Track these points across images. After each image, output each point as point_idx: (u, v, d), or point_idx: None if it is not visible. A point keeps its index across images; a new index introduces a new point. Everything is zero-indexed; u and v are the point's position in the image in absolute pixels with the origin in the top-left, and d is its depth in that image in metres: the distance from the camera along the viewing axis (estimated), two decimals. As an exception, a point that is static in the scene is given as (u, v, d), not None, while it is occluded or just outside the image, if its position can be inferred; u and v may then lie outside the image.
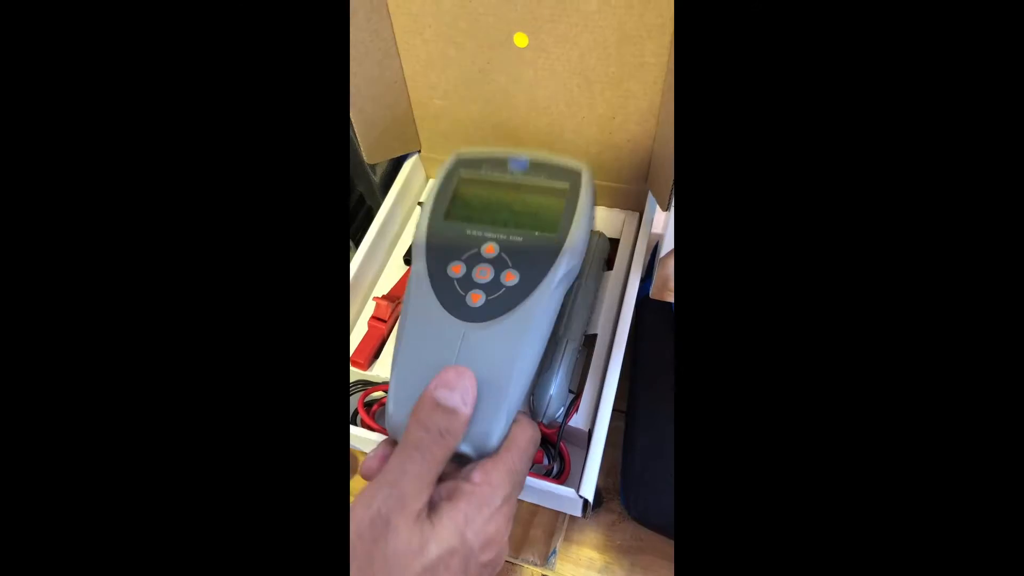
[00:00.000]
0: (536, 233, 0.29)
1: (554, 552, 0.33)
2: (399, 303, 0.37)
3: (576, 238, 0.29)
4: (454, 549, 0.21)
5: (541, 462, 0.32)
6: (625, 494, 0.33)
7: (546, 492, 0.29)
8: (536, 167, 0.32)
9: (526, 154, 0.32)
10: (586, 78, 0.34)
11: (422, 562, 0.20)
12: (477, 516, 0.22)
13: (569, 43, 0.33)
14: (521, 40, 0.33)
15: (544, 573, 0.33)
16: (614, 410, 0.31)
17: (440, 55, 0.36)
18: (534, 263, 0.28)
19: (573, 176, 0.31)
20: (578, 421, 0.33)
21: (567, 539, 0.34)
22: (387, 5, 0.34)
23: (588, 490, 0.28)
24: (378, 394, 0.35)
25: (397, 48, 0.36)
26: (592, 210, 0.31)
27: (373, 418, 0.33)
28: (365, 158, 0.38)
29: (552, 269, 0.28)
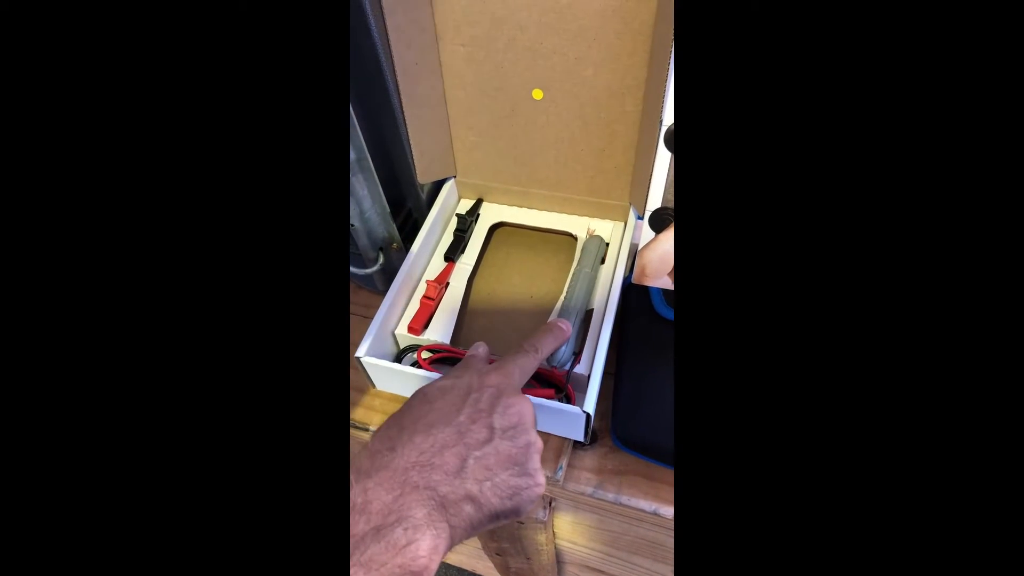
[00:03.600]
0: None
1: (560, 468, 0.44)
2: (443, 287, 0.49)
3: None
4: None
5: (553, 398, 0.43)
6: (614, 425, 0.44)
7: (557, 411, 0.40)
8: None
9: None
10: (584, 121, 0.47)
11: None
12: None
13: (572, 97, 0.45)
14: (538, 94, 0.46)
15: (552, 487, 0.44)
16: (605, 373, 0.42)
17: (477, 103, 0.48)
18: None
19: None
20: (581, 369, 0.44)
21: (571, 465, 0.45)
22: (441, 68, 0.47)
23: (589, 407, 0.39)
24: (426, 354, 0.46)
25: (446, 98, 0.49)
26: None
27: (429, 364, 0.44)
28: (418, 179, 0.50)
29: None
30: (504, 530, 0.53)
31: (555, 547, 0.59)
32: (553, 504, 0.49)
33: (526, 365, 0.36)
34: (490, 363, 0.36)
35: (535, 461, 0.31)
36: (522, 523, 0.49)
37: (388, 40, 0.41)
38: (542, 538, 0.52)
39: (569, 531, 0.55)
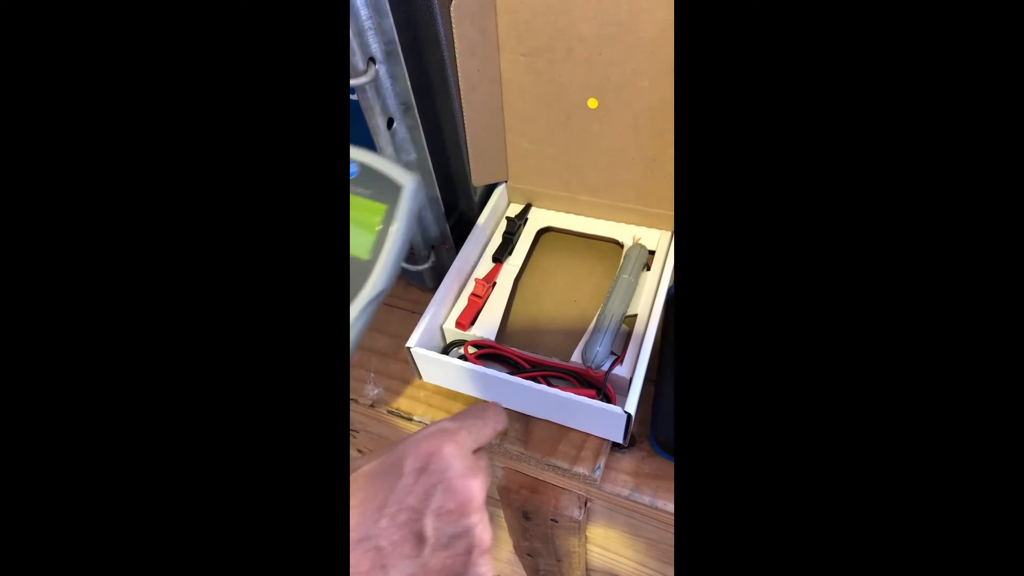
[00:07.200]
0: (352, 255, 0.32)
1: (598, 468, 0.44)
2: (492, 285, 0.51)
3: (383, 267, 0.32)
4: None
5: (595, 398, 0.44)
6: (652, 430, 0.45)
7: (599, 410, 0.41)
8: (364, 175, 0.32)
9: (358, 157, 0.33)
10: (637, 131, 0.48)
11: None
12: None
13: (627, 107, 0.47)
14: (593, 103, 0.48)
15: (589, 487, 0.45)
16: (645, 380, 0.43)
17: (533, 111, 0.50)
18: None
19: (393, 195, 0.32)
20: (623, 372, 0.45)
21: (608, 467, 0.46)
22: (500, 77, 0.49)
23: (630, 408, 0.40)
24: (472, 349, 0.47)
25: (503, 105, 0.51)
26: (407, 231, 0.32)
27: (475, 358, 0.45)
28: (472, 182, 0.52)
29: (360, 294, 0.32)
30: (537, 529, 0.54)
31: (586, 553, 0.59)
32: (589, 505, 0.50)
33: (481, 432, 0.29)
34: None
35: (480, 566, 0.25)
36: (556, 521, 0.50)
37: (454, 49, 0.43)
38: (575, 540, 0.53)
39: (602, 537, 0.56)
